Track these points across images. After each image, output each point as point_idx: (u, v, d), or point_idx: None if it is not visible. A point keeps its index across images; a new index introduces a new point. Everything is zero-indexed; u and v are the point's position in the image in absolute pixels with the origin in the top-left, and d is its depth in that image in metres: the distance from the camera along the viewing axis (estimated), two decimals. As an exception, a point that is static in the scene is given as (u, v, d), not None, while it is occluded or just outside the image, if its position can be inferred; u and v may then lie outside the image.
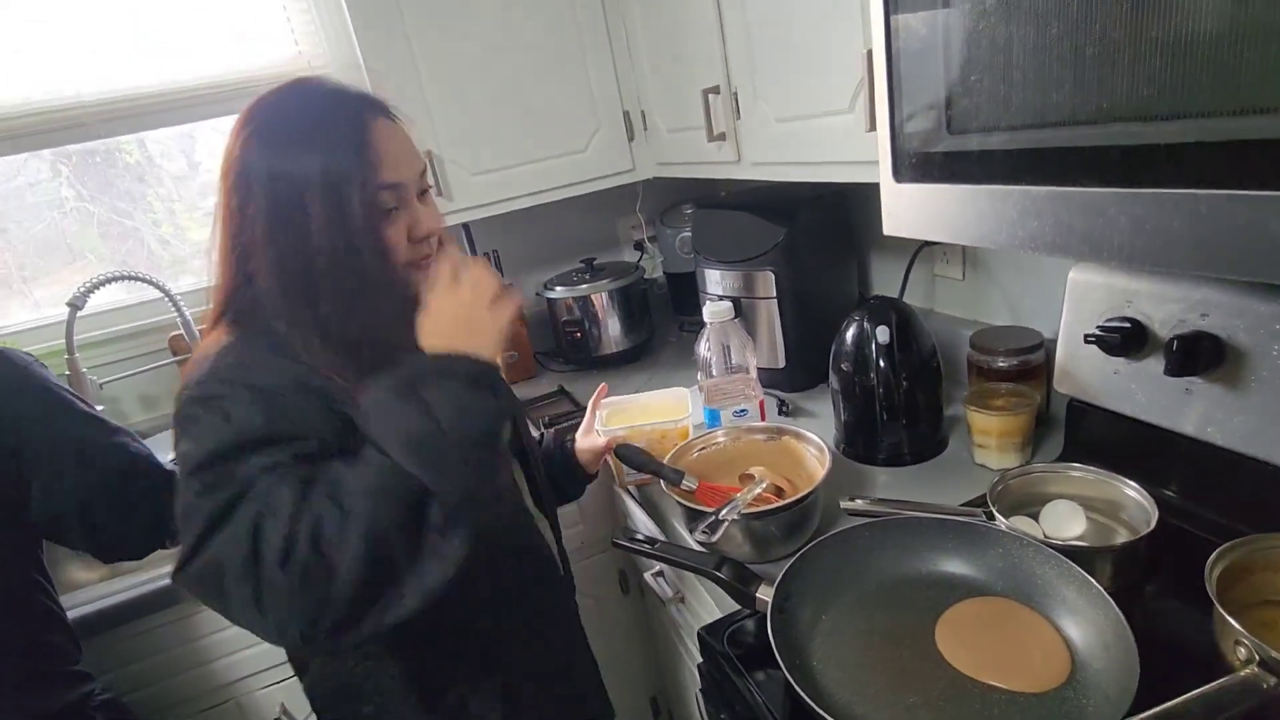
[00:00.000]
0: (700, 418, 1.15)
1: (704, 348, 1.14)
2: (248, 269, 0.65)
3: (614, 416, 1.19)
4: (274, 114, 0.66)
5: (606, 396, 1.19)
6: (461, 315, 0.62)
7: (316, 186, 0.62)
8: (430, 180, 0.74)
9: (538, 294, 1.74)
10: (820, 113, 0.96)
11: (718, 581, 0.77)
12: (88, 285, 1.31)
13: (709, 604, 0.98)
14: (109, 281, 1.33)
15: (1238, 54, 0.42)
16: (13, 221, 1.49)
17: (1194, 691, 0.52)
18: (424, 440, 0.55)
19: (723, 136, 1.20)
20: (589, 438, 1.05)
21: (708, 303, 1.10)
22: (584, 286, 1.63)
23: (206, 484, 0.56)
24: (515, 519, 0.81)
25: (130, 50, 1.43)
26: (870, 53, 0.70)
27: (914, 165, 0.69)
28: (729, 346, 1.09)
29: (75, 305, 1.31)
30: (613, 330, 1.67)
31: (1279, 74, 0.40)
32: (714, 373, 1.13)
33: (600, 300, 1.64)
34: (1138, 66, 0.47)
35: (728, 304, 1.07)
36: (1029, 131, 0.57)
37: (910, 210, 0.72)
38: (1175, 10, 0.44)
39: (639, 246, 1.91)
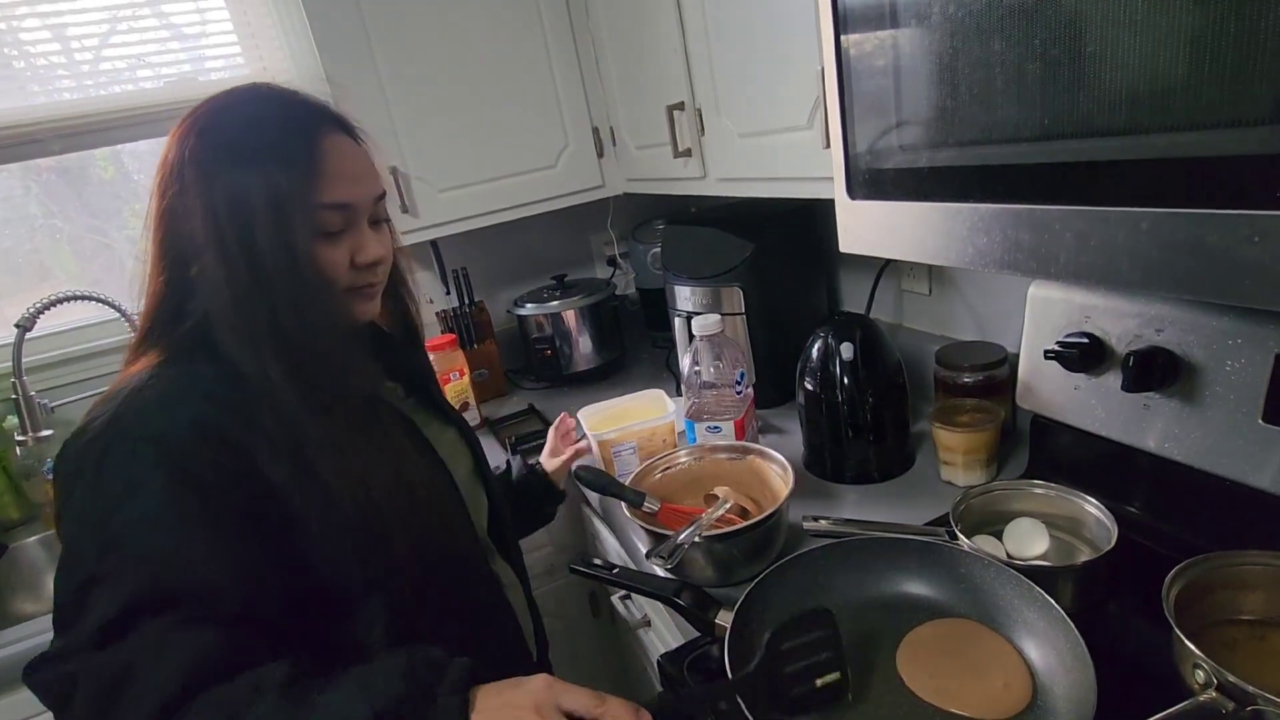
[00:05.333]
0: (681, 424, 1.13)
1: (688, 362, 1.10)
2: (187, 276, 0.62)
3: (597, 422, 1.18)
4: (222, 119, 0.62)
5: (583, 408, 1.19)
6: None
7: (260, 198, 0.58)
8: (386, 210, 0.69)
9: (508, 312, 1.72)
10: (781, 129, 0.96)
11: (676, 608, 0.75)
12: (36, 306, 1.27)
13: (675, 629, 0.95)
14: (59, 302, 1.29)
15: (1170, 71, 0.41)
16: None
17: (1151, 718, 0.51)
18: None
19: (688, 152, 1.19)
20: (553, 459, 1.05)
21: (696, 316, 1.06)
22: (554, 304, 1.62)
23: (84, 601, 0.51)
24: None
25: (85, 66, 1.41)
26: (823, 70, 0.70)
27: (867, 182, 0.69)
28: (721, 360, 1.05)
29: (23, 326, 1.27)
30: (584, 347, 1.65)
31: (1209, 91, 0.40)
32: (701, 387, 1.09)
33: (571, 317, 1.62)
34: (1076, 83, 0.47)
35: (716, 317, 1.05)
36: (975, 148, 0.56)
37: (865, 227, 0.71)
38: (1110, 27, 0.44)
39: (612, 263, 1.90)
